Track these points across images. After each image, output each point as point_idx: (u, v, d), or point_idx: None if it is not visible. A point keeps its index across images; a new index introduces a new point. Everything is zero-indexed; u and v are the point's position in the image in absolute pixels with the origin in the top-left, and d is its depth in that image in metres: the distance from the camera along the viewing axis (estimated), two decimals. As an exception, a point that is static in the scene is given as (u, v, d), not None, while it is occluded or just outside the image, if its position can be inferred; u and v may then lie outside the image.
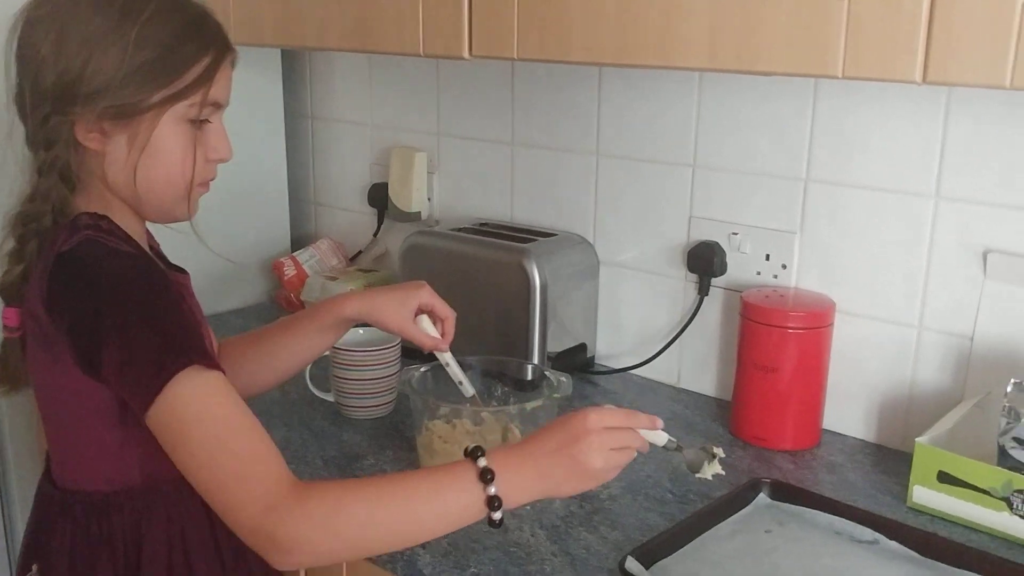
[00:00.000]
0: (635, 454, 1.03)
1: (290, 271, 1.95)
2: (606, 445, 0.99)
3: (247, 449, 0.95)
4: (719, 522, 1.20)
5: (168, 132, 1.03)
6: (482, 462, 0.96)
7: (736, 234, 1.52)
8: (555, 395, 1.25)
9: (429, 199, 1.91)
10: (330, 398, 1.50)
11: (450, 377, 1.29)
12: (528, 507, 1.23)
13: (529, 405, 1.22)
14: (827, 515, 1.21)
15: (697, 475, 1.11)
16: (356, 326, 1.42)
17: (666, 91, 1.56)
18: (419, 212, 1.90)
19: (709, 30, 1.11)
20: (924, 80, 0.98)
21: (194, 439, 0.94)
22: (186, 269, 1.19)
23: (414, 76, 1.90)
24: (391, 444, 1.41)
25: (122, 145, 1.02)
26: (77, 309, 0.97)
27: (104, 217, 1.04)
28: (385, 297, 1.29)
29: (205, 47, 1.04)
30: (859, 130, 1.38)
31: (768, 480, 1.27)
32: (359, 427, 1.46)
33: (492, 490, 0.95)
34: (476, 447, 0.98)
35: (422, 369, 1.34)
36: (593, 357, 1.70)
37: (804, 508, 1.23)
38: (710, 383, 1.61)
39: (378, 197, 1.96)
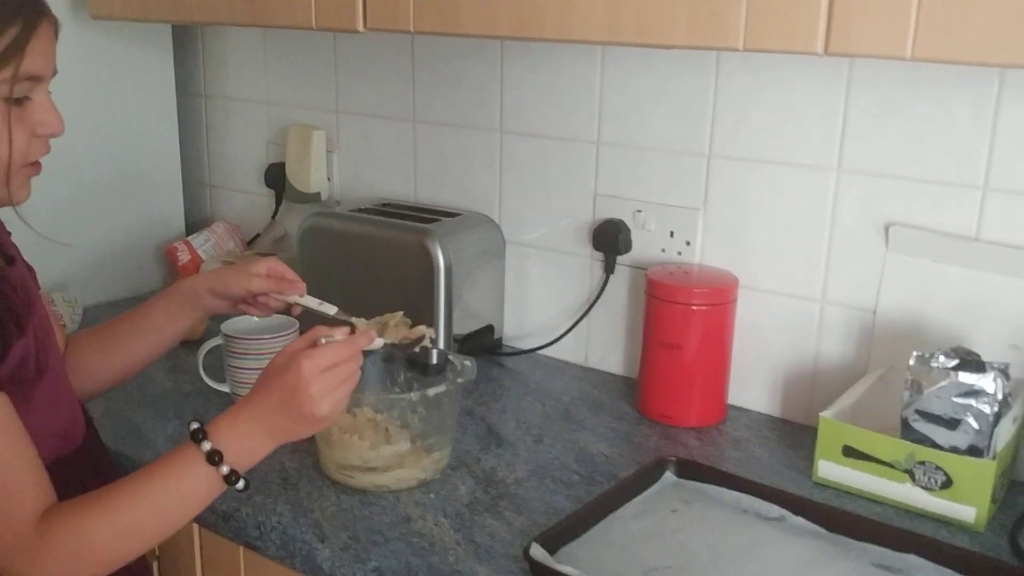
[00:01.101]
0: (359, 376, 1.04)
1: (184, 256, 1.87)
2: (328, 389, 0.99)
3: (3, 483, 0.91)
4: (625, 503, 1.18)
5: None
6: (206, 445, 0.96)
7: (641, 211, 1.50)
8: (459, 380, 1.21)
9: (329, 179, 1.85)
10: (226, 389, 1.44)
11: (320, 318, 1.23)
12: (432, 495, 1.20)
13: (431, 391, 1.18)
14: (733, 492, 1.20)
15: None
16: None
17: (569, 67, 1.53)
18: (319, 193, 1.84)
19: (608, 2, 1.08)
20: (826, 51, 0.97)
21: None
22: (13, 256, 1.09)
23: (310, 51, 1.83)
24: (290, 434, 1.36)
25: None
26: None
27: None
28: (230, 268, 1.24)
29: (10, 16, 0.94)
30: (761, 105, 1.38)
31: (674, 458, 1.25)
32: (257, 417, 1.40)
33: (225, 469, 0.96)
34: (198, 428, 0.97)
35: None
36: (500, 339, 1.67)
37: (710, 486, 1.22)
38: (617, 362, 1.59)
39: (275, 178, 1.89)
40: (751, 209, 1.41)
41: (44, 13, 0.98)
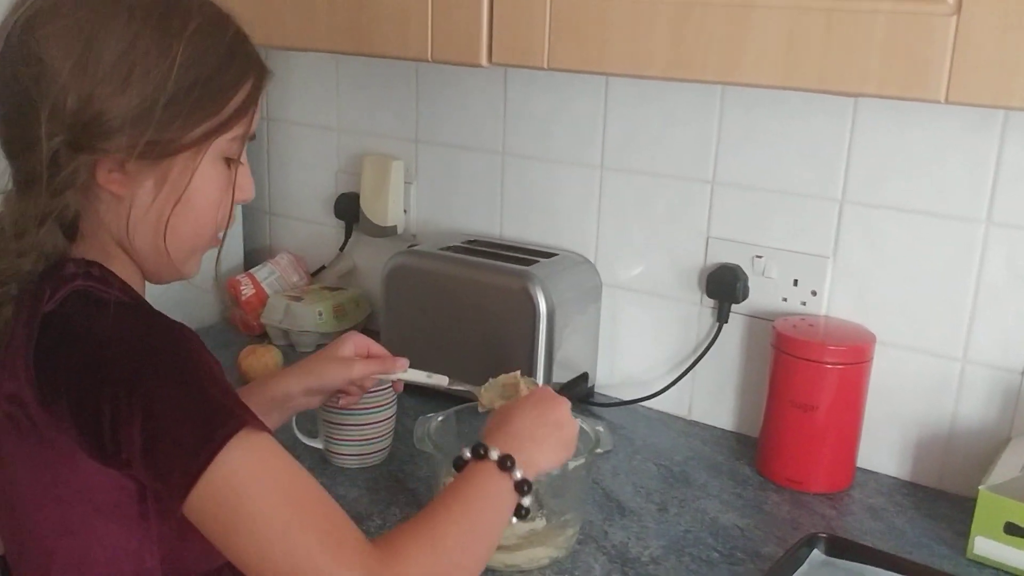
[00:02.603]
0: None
1: (248, 290, 1.76)
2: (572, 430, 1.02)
3: (324, 515, 0.77)
4: (778, 587, 1.09)
5: (205, 173, 0.85)
6: (495, 453, 0.90)
7: (760, 257, 1.41)
8: (597, 451, 1.11)
9: (405, 211, 1.74)
10: (318, 445, 1.33)
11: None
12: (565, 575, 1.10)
13: (571, 464, 1.08)
14: (888, 572, 1.11)
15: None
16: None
17: (683, 101, 1.43)
18: (395, 226, 1.73)
19: (786, 44, 0.98)
20: (1047, 108, 0.88)
21: (259, 516, 0.75)
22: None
23: (388, 76, 1.72)
24: (395, 500, 1.25)
25: (148, 189, 0.84)
26: (78, 383, 0.77)
27: (94, 263, 0.85)
28: (318, 359, 1.16)
29: (248, 69, 0.86)
30: (903, 150, 1.28)
31: (824, 535, 1.16)
32: (353, 478, 1.30)
33: (519, 474, 0.91)
34: (478, 445, 0.91)
35: (440, 418, 1.18)
36: (593, 387, 1.57)
37: (864, 566, 1.13)
38: (727, 417, 1.49)
39: (346, 208, 1.78)
40: (887, 259, 1.32)
41: (268, 68, 0.90)
